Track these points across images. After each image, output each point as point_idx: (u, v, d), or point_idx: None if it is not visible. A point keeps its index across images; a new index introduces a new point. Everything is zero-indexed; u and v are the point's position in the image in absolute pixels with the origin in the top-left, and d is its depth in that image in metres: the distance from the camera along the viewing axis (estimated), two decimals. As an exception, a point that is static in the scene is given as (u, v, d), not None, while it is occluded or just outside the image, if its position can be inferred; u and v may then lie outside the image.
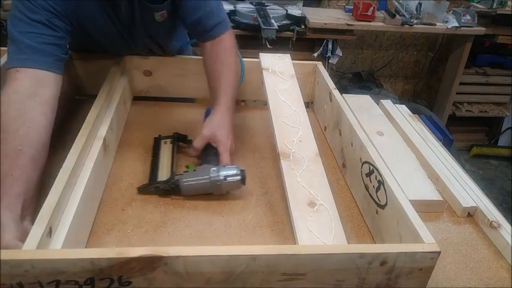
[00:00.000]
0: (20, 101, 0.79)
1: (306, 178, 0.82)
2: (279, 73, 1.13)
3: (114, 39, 1.10)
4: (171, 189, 0.85)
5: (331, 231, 0.71)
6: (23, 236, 0.62)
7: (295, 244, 0.70)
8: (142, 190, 0.86)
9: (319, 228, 0.71)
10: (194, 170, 0.87)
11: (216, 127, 0.95)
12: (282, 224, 0.83)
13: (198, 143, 0.94)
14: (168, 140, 0.99)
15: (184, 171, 0.88)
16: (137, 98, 1.23)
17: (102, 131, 0.89)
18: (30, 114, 0.79)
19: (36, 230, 0.60)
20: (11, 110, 0.77)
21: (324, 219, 0.74)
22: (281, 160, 0.85)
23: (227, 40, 1.07)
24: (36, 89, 0.82)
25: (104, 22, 1.03)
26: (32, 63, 0.84)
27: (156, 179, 0.89)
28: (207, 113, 1.03)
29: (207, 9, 1.04)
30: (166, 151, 0.96)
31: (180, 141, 1.01)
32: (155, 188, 0.86)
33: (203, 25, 1.05)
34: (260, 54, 1.20)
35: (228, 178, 0.84)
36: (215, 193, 0.86)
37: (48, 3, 0.88)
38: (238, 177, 0.85)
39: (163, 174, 0.90)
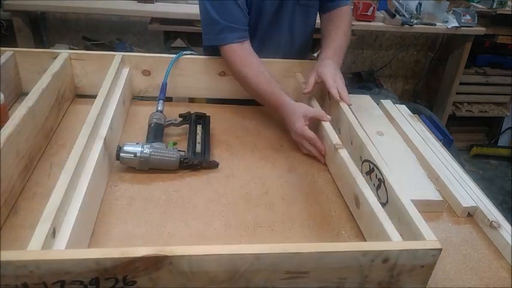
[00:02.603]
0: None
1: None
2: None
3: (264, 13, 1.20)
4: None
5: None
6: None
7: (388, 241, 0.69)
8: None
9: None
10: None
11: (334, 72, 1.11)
12: (282, 223, 0.83)
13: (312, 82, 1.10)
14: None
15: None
16: (136, 98, 1.24)
17: (103, 131, 0.89)
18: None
19: (41, 231, 0.61)
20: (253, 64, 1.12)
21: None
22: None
23: (347, 12, 1.28)
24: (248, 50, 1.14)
25: None
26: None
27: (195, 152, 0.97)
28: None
29: None
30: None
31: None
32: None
33: None
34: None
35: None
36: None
37: None
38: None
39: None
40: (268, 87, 1.09)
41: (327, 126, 1.01)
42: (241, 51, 1.12)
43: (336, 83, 1.08)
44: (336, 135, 0.97)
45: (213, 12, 1.10)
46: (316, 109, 1.07)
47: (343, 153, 0.91)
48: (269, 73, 1.11)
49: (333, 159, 0.96)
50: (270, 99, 1.10)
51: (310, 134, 1.02)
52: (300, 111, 1.04)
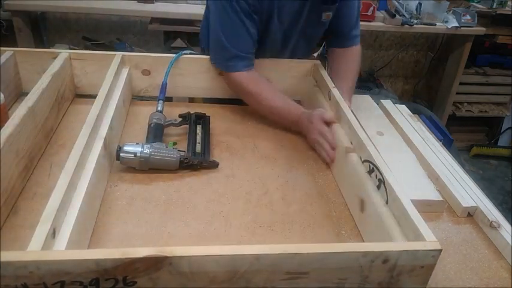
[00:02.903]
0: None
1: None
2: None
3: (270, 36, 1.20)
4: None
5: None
6: None
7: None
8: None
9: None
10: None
11: None
12: (282, 224, 0.83)
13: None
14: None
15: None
16: (136, 98, 1.24)
17: (103, 131, 0.89)
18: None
19: (41, 231, 0.61)
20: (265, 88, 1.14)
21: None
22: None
23: (357, 51, 1.29)
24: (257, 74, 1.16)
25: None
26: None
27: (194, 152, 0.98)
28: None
29: (354, 20, 1.25)
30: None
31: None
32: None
33: (346, 33, 1.26)
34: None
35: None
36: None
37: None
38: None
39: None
40: (285, 103, 1.12)
41: (338, 129, 1.01)
42: (252, 75, 1.14)
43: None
44: (347, 138, 0.96)
45: (224, 39, 1.10)
46: (331, 113, 1.07)
47: (354, 157, 0.90)
48: (280, 91, 1.14)
49: (341, 162, 0.95)
50: (289, 113, 1.11)
51: (325, 128, 1.03)
52: (316, 115, 1.06)
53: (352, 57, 1.28)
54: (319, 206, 0.89)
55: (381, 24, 2.57)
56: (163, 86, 1.14)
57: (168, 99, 1.22)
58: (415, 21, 2.58)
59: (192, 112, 1.09)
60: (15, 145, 0.80)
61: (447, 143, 1.25)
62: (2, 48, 1.12)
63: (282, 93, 1.14)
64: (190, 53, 1.21)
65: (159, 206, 0.85)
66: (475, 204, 0.91)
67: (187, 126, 1.06)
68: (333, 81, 1.15)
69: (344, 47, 1.28)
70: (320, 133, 1.03)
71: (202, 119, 1.08)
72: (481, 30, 2.65)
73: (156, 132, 0.99)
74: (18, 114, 0.84)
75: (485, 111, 3.01)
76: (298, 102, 1.25)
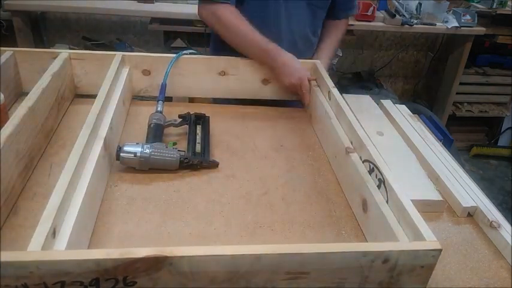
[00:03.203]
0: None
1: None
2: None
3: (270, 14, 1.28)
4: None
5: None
6: None
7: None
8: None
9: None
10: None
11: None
12: (282, 224, 0.83)
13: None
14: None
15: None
16: (136, 98, 1.23)
17: (103, 131, 0.89)
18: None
19: (41, 231, 0.61)
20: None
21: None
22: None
23: (346, 24, 1.47)
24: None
25: None
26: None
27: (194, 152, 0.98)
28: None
29: None
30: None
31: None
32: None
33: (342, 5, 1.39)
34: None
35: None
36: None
37: None
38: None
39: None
40: (262, 37, 1.19)
41: (338, 128, 1.00)
42: (232, 9, 1.20)
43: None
44: (348, 138, 0.96)
45: None
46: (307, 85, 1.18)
47: (354, 157, 0.90)
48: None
49: (342, 163, 0.95)
50: (267, 47, 1.18)
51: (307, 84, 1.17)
52: (298, 72, 1.18)
53: (340, 28, 1.44)
54: (319, 206, 0.89)
55: (381, 24, 2.57)
56: (163, 87, 1.14)
57: (168, 99, 1.22)
58: (415, 21, 2.58)
59: (191, 112, 1.09)
60: (15, 145, 0.80)
61: (447, 143, 1.26)
62: (2, 48, 1.12)
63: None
64: (190, 53, 1.21)
65: (159, 206, 0.85)
66: (475, 204, 0.91)
67: (187, 126, 1.06)
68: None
69: (336, 19, 1.42)
70: (301, 79, 1.17)
71: (202, 119, 1.08)
72: (481, 30, 2.65)
73: (156, 133, 0.99)
74: (18, 114, 0.84)
75: (485, 111, 3.02)
76: (299, 102, 1.25)
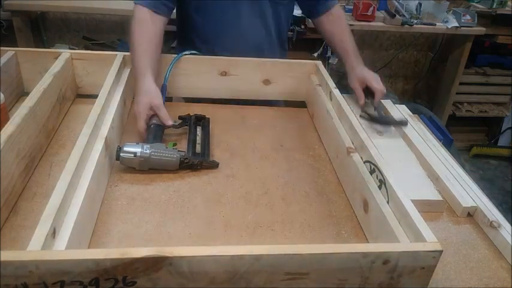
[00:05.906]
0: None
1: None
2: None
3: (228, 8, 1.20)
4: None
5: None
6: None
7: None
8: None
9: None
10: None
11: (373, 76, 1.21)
12: (282, 224, 0.83)
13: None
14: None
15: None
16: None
17: (104, 131, 0.89)
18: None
19: (41, 231, 0.61)
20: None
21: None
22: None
23: (341, 11, 1.34)
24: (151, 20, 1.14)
25: None
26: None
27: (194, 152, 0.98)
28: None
29: None
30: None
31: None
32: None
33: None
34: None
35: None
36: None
37: None
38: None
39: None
40: (144, 54, 1.07)
41: (340, 129, 1.00)
42: (149, 14, 1.12)
43: (378, 84, 1.19)
44: (349, 138, 0.96)
45: None
46: (163, 113, 1.02)
47: (356, 157, 0.90)
48: (156, 52, 1.11)
49: (344, 163, 0.95)
50: (139, 64, 1.06)
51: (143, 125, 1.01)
52: (153, 101, 1.01)
53: (338, 19, 1.31)
54: (319, 206, 0.89)
55: (380, 24, 2.57)
56: (164, 88, 1.14)
57: (168, 99, 1.22)
58: (415, 21, 2.58)
59: (192, 114, 1.09)
60: (16, 145, 0.80)
61: (447, 143, 1.26)
62: (4, 48, 1.12)
63: (156, 52, 1.11)
64: (190, 53, 1.21)
65: (159, 206, 0.85)
66: (475, 204, 0.91)
67: (187, 127, 1.06)
68: (333, 48, 1.25)
69: (324, 12, 1.31)
70: (146, 110, 1.01)
71: (202, 121, 1.08)
72: (481, 30, 2.65)
73: (156, 133, 0.99)
74: (19, 114, 0.84)
75: (485, 111, 3.01)
76: (301, 103, 1.25)
